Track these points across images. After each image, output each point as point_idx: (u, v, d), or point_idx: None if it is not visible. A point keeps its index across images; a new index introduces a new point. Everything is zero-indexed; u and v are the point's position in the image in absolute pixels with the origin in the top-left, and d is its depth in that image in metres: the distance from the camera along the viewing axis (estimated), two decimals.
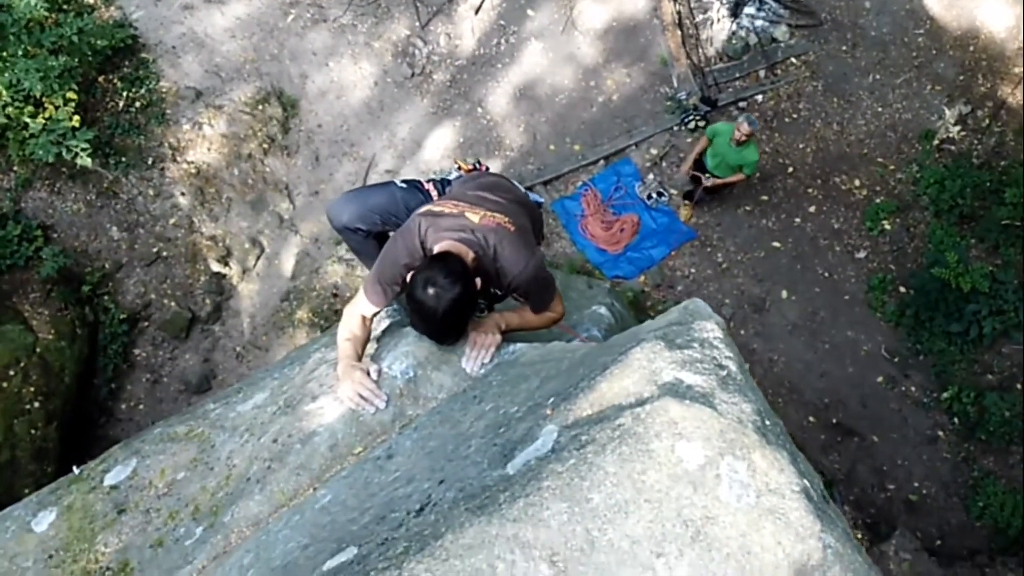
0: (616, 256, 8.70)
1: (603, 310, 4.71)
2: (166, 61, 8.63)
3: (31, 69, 6.68)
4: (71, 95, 7.19)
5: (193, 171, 8.51)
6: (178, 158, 8.50)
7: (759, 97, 9.28)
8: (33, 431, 7.22)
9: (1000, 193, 8.52)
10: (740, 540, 1.64)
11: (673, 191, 8.96)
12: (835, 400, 8.28)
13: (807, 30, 9.53)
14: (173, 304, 8.47)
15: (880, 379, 8.34)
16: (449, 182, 3.42)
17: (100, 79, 8.40)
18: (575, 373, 2.26)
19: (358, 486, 2.37)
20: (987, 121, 9.06)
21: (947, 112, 9.07)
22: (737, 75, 9.32)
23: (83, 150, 7.12)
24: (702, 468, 1.72)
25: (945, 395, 8.10)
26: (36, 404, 7.29)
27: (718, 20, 9.38)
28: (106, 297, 8.32)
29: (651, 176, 9.01)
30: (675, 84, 9.20)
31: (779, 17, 9.43)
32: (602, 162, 9.03)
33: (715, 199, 8.75)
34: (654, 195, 8.88)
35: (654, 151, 9.04)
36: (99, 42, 7.86)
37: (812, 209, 8.95)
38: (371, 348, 3.03)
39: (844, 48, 9.45)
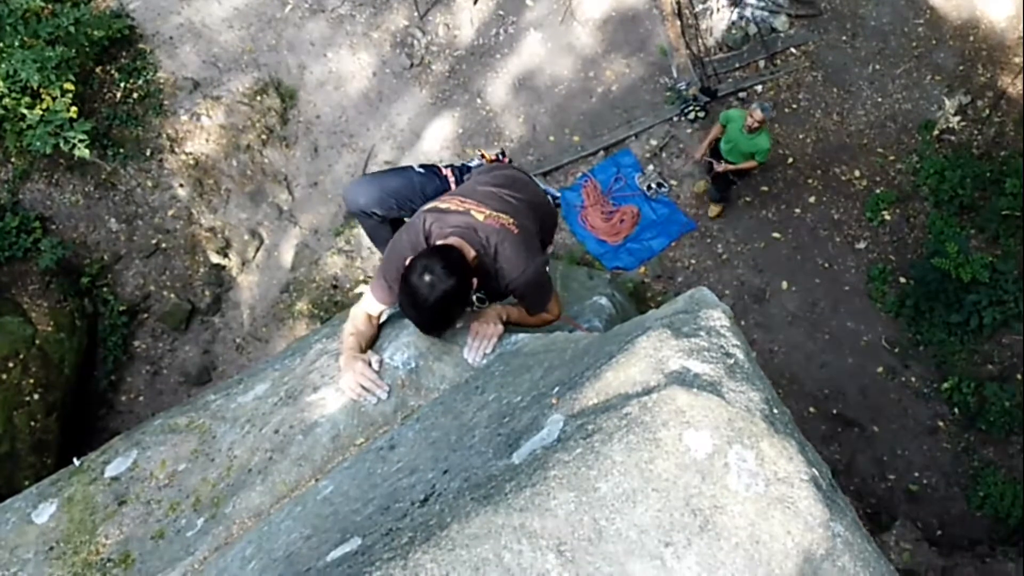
0: (616, 247, 8.69)
1: (604, 300, 4.71)
2: (164, 51, 8.60)
3: (28, 60, 6.66)
4: (68, 86, 7.16)
5: (191, 162, 8.48)
6: (176, 149, 8.47)
7: (759, 87, 9.26)
8: (33, 423, 7.22)
9: (1000, 183, 8.51)
10: (749, 529, 1.63)
11: (673, 182, 8.94)
12: (835, 390, 8.28)
13: (807, 20, 9.49)
14: (172, 296, 8.45)
15: (880, 369, 8.35)
16: (469, 169, 3.38)
17: (97, 70, 8.37)
18: (579, 362, 2.24)
19: (361, 477, 2.36)
20: (987, 111, 9.04)
21: (947, 102, 9.05)
22: (737, 65, 9.29)
23: (81, 141, 7.10)
24: (710, 457, 1.71)
25: (945, 385, 8.11)
26: (36, 396, 7.28)
27: (718, 10, 9.34)
28: (105, 289, 8.31)
29: (651, 167, 8.98)
30: (675, 74, 9.17)
31: (779, 7, 9.40)
32: (602, 153, 9.01)
33: (733, 191, 8.68)
34: (654, 186, 8.85)
35: (654, 142, 9.02)
36: (96, 32, 7.84)
37: (812, 200, 8.93)
38: None
39: (844, 38, 9.41)
